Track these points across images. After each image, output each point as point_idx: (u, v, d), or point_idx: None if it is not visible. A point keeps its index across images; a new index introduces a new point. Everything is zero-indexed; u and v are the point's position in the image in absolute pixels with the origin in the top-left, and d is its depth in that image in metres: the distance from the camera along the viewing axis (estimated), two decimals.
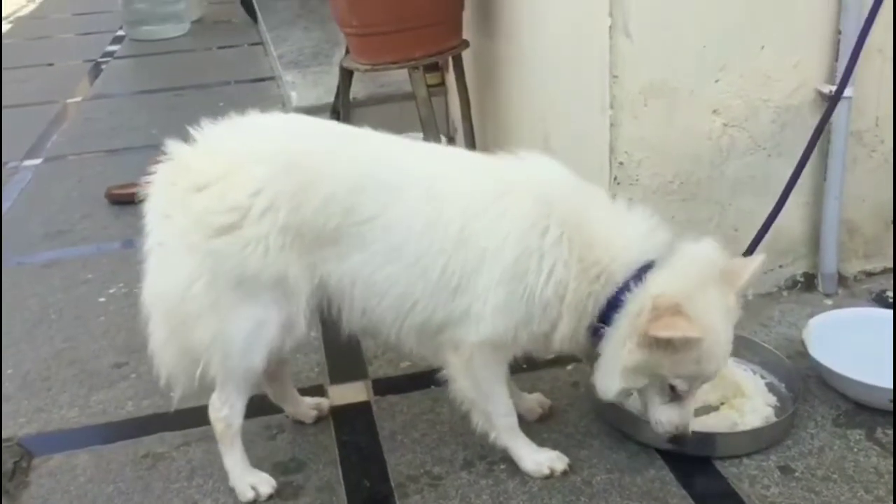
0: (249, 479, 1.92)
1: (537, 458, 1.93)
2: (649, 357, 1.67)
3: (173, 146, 1.78)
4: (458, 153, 2.00)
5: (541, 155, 1.85)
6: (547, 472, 1.92)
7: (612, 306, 1.72)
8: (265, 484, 1.92)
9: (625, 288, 1.71)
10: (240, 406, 1.88)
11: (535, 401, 2.14)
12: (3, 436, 2.18)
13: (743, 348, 2.26)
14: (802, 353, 2.21)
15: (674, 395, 1.75)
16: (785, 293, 2.64)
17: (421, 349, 1.89)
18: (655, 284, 1.68)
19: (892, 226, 2.63)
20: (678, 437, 1.80)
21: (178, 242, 1.75)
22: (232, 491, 1.92)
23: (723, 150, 2.44)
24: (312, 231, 1.72)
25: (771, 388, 2.15)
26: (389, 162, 1.80)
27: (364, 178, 1.74)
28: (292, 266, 1.73)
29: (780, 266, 2.63)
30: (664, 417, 1.78)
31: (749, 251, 2.26)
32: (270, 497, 1.91)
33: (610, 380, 1.74)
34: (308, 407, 2.17)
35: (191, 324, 1.76)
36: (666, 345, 1.63)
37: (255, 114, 1.85)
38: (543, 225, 1.71)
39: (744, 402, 2.07)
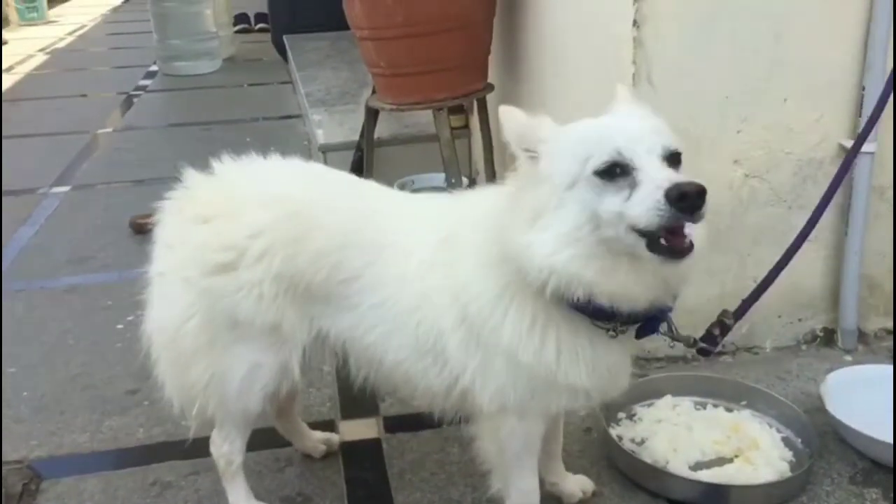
0: None
1: None
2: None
3: (189, 174, 1.78)
4: (433, 203, 1.82)
5: (483, 189, 1.74)
6: None
7: None
8: None
9: None
10: (240, 443, 1.87)
11: (577, 484, 1.98)
12: (15, 457, 2.19)
13: (760, 401, 2.24)
14: (820, 408, 2.18)
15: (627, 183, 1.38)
16: (804, 347, 2.61)
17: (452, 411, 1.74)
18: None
19: None
20: (684, 193, 1.32)
21: (176, 275, 1.73)
22: None
23: (743, 200, 2.44)
24: (304, 283, 1.66)
25: (787, 442, 2.12)
26: (374, 220, 1.71)
27: (350, 235, 1.67)
28: (287, 316, 1.69)
29: (800, 320, 2.61)
30: (648, 200, 1.33)
31: (748, 303, 2.02)
32: None
33: (554, 248, 1.40)
34: (317, 441, 2.16)
35: (186, 361, 1.74)
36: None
37: (274, 156, 1.83)
38: (457, 282, 1.57)
39: (758, 455, 2.04)
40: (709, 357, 1.76)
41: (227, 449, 1.87)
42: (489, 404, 1.61)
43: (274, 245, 1.65)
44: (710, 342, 1.70)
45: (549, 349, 1.52)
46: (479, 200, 1.67)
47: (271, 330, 1.69)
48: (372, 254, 1.66)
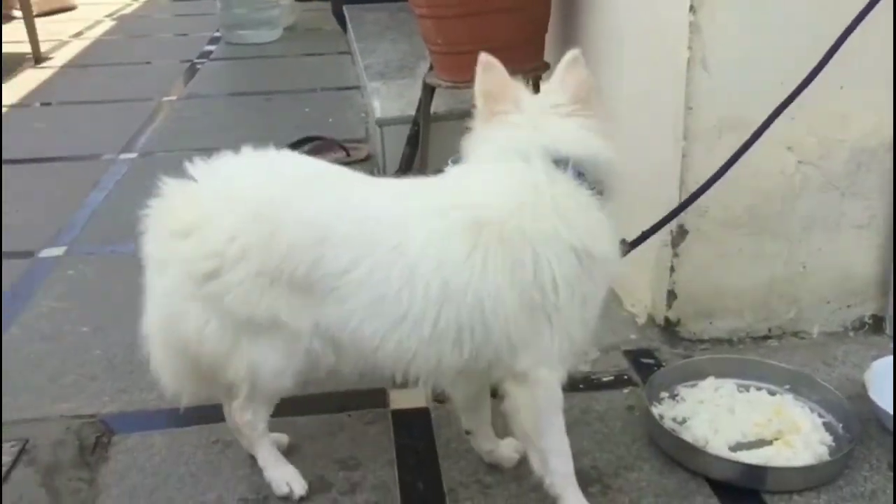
0: (282, 473, 2.00)
1: None
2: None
3: (166, 183, 1.84)
4: (424, 190, 1.84)
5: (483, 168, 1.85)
6: None
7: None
8: (296, 480, 2.00)
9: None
10: (264, 413, 1.96)
11: (512, 447, 2.07)
12: (89, 412, 2.35)
13: (802, 385, 2.27)
14: (863, 394, 2.20)
15: None
16: (851, 333, 2.63)
17: (442, 386, 1.90)
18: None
19: None
20: None
21: (178, 291, 1.79)
22: None
23: (795, 186, 2.45)
24: (285, 278, 1.71)
25: (828, 427, 2.15)
26: (353, 213, 1.72)
27: (327, 230, 1.69)
28: (282, 309, 1.73)
29: (849, 306, 2.62)
30: None
31: (647, 234, 2.14)
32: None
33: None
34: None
35: (221, 362, 1.82)
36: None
37: (246, 150, 1.85)
38: (519, 259, 1.66)
39: (798, 438, 2.08)
40: None
41: (250, 417, 1.96)
42: (536, 364, 1.73)
43: (248, 246, 1.71)
44: None
45: None
46: (497, 174, 1.81)
47: (273, 324, 1.75)
48: (359, 248, 1.69)
